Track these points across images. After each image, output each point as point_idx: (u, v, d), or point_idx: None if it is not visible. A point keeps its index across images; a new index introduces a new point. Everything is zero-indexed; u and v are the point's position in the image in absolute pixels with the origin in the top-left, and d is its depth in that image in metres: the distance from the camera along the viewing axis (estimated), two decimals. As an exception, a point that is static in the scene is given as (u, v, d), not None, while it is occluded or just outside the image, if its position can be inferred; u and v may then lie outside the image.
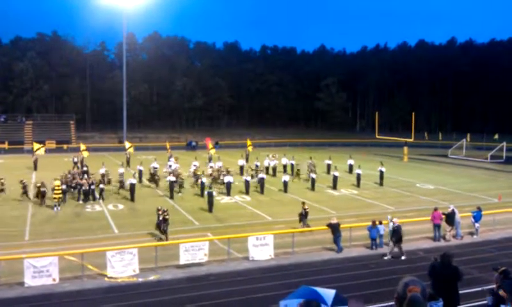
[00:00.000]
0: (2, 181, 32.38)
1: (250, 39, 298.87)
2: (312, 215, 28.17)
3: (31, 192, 32.60)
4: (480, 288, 15.35)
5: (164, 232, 22.17)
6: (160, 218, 22.25)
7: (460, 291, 12.49)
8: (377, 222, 21.92)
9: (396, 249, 20.44)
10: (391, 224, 20.69)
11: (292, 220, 26.53)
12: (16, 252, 19.60)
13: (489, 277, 15.73)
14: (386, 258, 20.34)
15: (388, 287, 16.70)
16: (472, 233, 24.45)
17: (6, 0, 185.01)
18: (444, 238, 23.48)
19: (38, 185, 31.27)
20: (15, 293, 16.74)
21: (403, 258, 20.35)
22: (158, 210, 22.87)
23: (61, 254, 18.46)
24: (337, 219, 22.50)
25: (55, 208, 29.10)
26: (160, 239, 21.89)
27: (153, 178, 37.85)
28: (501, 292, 9.56)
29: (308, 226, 24.31)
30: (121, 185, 35.11)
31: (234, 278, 18.10)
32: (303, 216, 24.55)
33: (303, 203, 25.50)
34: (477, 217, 24.15)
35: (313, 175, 37.14)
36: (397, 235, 20.32)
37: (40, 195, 30.56)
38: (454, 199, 32.08)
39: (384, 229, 21.84)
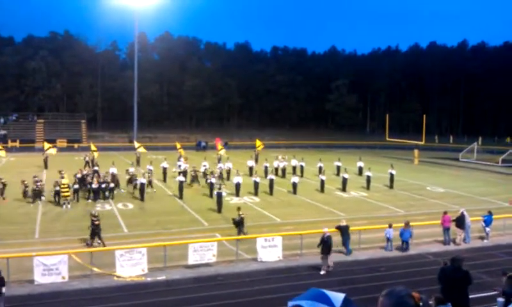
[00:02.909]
0: (25, 183, 32.20)
1: (261, 40, 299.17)
2: (322, 217, 28.19)
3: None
4: (490, 293, 15.20)
5: (93, 238, 21.35)
6: (98, 223, 21.28)
7: (470, 296, 12.42)
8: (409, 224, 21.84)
9: (328, 262, 18.95)
10: (323, 234, 19.33)
11: (301, 222, 26.53)
12: (27, 250, 19.76)
13: (499, 282, 15.61)
14: (322, 272, 18.78)
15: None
16: (482, 237, 24.26)
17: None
18: (454, 242, 23.32)
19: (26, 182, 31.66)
20: (25, 290, 16.87)
21: (323, 272, 18.78)
22: (91, 215, 21.83)
23: (71, 253, 18.56)
24: (346, 221, 22.42)
25: (64, 206, 29.35)
26: (92, 245, 21.04)
27: (131, 181, 35.49)
28: None
29: (244, 233, 22.84)
30: (134, 185, 34.87)
31: (242, 279, 18.09)
32: (239, 223, 23.08)
33: (238, 209, 24.21)
34: (488, 221, 23.97)
35: (323, 177, 37.06)
36: (327, 245, 18.98)
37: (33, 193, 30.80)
38: (465, 202, 31.83)
39: (392, 233, 21.74)
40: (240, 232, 22.90)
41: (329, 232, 19.60)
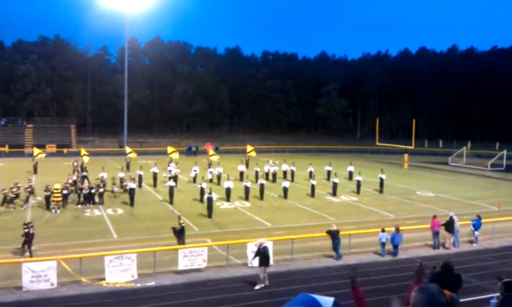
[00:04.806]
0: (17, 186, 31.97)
1: (252, 45, 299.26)
2: (312, 221, 28.21)
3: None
4: (479, 297, 15.29)
5: (24, 247, 20.63)
6: (27, 231, 20.64)
7: (460, 300, 12.45)
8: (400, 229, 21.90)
9: (262, 276, 17.77)
10: (258, 245, 18.29)
11: (292, 227, 26.52)
12: (15, 256, 19.57)
13: (488, 286, 15.70)
14: (257, 287, 17.59)
15: (387, 295, 16.66)
16: (471, 241, 24.40)
17: (9, 3, 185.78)
18: (443, 246, 23.44)
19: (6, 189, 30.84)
20: (13, 297, 16.69)
21: (258, 287, 17.59)
22: (24, 223, 21.11)
23: (60, 259, 18.41)
24: (336, 225, 22.47)
25: (53, 211, 29.22)
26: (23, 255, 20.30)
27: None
28: None
29: (184, 243, 21.75)
30: (124, 189, 34.85)
31: (233, 284, 18.04)
32: (180, 232, 22.06)
33: (179, 217, 23.27)
34: (477, 226, 24.11)
35: (313, 182, 37.10)
36: (265, 257, 18.00)
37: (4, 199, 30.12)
38: (454, 207, 32.02)
39: (387, 238, 21.79)
40: (180, 242, 21.79)
41: (266, 242, 18.50)
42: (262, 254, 17.88)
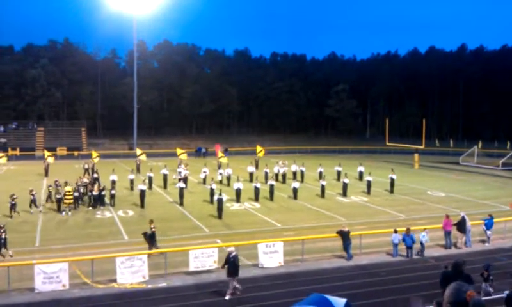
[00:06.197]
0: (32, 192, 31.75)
1: (260, 47, 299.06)
2: (322, 222, 28.16)
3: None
4: (491, 297, 15.17)
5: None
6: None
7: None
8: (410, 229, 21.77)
9: (235, 284, 17.18)
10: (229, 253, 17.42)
11: (302, 228, 26.49)
12: (27, 258, 19.73)
13: (499, 286, 15.58)
14: (227, 297, 16.89)
15: (397, 295, 16.61)
16: (483, 241, 24.23)
17: (19, 7, 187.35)
18: (455, 245, 23.30)
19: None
20: (25, 298, 16.84)
21: (228, 297, 16.85)
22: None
23: (71, 260, 18.53)
24: (347, 226, 22.41)
25: (63, 213, 29.39)
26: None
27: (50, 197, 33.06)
28: None
29: (157, 248, 21.24)
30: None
31: (244, 285, 18.03)
32: (151, 237, 21.48)
33: (151, 222, 22.24)
34: (489, 225, 23.93)
35: (323, 182, 37.03)
36: (234, 266, 17.21)
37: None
38: (465, 206, 31.82)
39: (399, 238, 21.67)
40: (151, 246, 21.24)
41: (235, 250, 17.76)
42: (231, 263, 17.10)
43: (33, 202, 30.31)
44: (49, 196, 32.90)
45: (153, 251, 20.91)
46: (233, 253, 17.41)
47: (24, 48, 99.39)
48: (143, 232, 21.99)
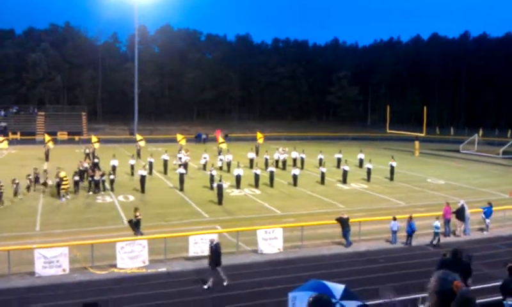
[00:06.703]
0: (30, 177, 31.98)
1: (262, 32, 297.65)
2: (322, 209, 28.23)
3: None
4: (489, 284, 15.23)
5: None
6: None
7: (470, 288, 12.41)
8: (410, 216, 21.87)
9: (221, 275, 16.86)
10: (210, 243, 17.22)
11: (302, 214, 26.56)
12: (27, 243, 19.83)
13: (498, 274, 15.64)
14: (205, 287, 16.58)
15: (396, 282, 16.69)
16: (482, 229, 24.31)
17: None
18: (454, 233, 23.38)
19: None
20: (26, 282, 16.95)
21: (206, 286, 16.57)
22: None
23: (72, 245, 18.62)
24: (346, 213, 22.47)
25: (63, 198, 29.43)
26: None
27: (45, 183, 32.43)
28: None
29: (141, 234, 21.10)
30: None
31: (243, 271, 18.14)
32: (136, 224, 21.55)
33: (135, 210, 22.09)
34: (488, 213, 24.00)
35: (323, 169, 37.05)
36: (217, 255, 17.03)
37: None
38: (465, 194, 31.85)
39: (398, 226, 21.75)
40: (136, 234, 21.13)
41: (216, 238, 17.82)
42: (215, 251, 16.94)
43: (16, 191, 29.82)
44: (28, 186, 31.48)
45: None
46: (215, 241, 17.34)
47: (25, 31, 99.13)
48: (129, 219, 22.25)
